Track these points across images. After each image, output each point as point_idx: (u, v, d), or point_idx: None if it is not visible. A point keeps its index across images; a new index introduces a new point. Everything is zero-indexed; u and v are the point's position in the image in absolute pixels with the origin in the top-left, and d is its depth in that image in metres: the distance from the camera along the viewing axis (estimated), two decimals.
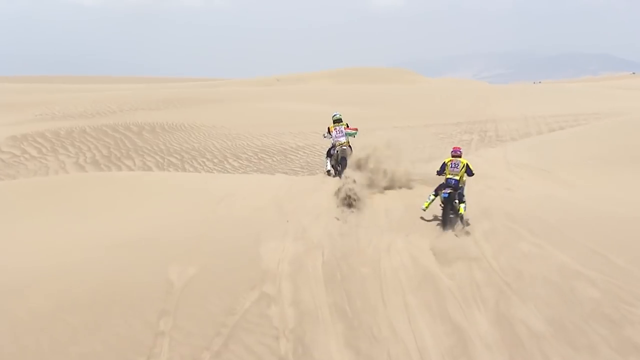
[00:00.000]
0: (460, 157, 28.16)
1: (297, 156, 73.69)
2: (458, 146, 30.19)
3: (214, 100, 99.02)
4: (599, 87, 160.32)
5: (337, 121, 33.97)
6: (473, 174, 28.23)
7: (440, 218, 27.91)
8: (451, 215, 27.31)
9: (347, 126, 33.84)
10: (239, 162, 72.44)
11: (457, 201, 27.22)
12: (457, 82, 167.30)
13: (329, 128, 34.00)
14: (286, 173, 69.54)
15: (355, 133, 34.56)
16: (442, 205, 27.48)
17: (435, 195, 28.05)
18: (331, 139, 33.76)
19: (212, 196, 31.05)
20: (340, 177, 31.37)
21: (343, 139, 33.51)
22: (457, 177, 27.34)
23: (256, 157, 73.45)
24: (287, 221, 28.29)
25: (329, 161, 33.93)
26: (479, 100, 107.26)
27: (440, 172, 28.17)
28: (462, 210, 27.28)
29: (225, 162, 72.66)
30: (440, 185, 27.96)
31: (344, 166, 32.24)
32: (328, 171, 34.28)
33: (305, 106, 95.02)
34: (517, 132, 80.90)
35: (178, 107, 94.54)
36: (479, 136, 79.57)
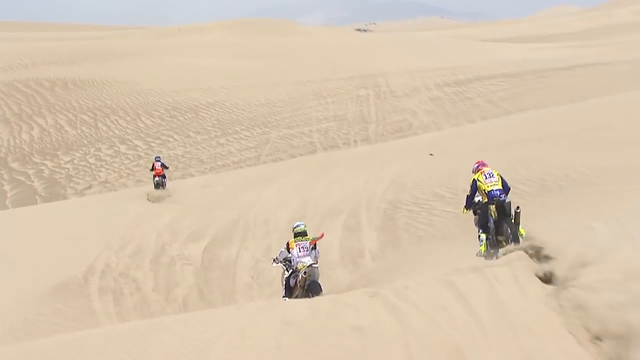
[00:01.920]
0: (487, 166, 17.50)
1: (208, 114, 62.14)
2: (480, 160, 18.15)
3: (121, 54, 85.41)
4: (447, 37, 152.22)
5: (301, 234, 18.14)
6: (510, 188, 17.33)
7: None
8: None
9: (314, 240, 18.14)
10: (151, 121, 60.49)
11: (518, 210, 16.64)
12: (334, 32, 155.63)
13: (288, 244, 18.00)
14: (198, 133, 58.28)
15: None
16: (499, 216, 16.82)
17: (485, 231, 17.22)
18: (283, 263, 17.97)
19: None
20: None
21: (309, 260, 17.44)
22: (500, 187, 16.81)
23: (168, 115, 61.44)
24: None
25: (288, 293, 17.66)
26: (362, 53, 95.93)
27: (473, 193, 17.35)
28: (522, 231, 16.12)
29: (138, 121, 60.53)
30: (483, 209, 17.15)
31: (317, 292, 16.74)
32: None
33: (211, 60, 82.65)
34: (407, 86, 71.19)
35: (90, 60, 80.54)
36: (374, 92, 69.54)
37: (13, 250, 28.35)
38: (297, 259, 17.05)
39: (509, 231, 16.20)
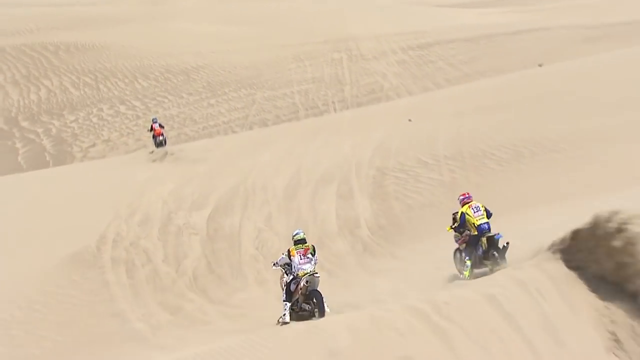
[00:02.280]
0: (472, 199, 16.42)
1: (198, 76, 59.16)
2: (465, 192, 17.06)
3: (118, 20, 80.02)
4: (405, 4, 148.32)
5: (300, 242, 15.22)
6: (492, 214, 16.33)
7: None
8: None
9: (314, 251, 15.16)
10: (147, 82, 57.46)
11: (507, 244, 15.20)
12: None
13: (289, 251, 15.15)
14: (190, 94, 55.29)
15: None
16: (488, 247, 15.59)
17: (470, 258, 15.84)
18: (283, 267, 15.33)
19: None
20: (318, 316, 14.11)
21: (309, 267, 14.84)
22: (487, 220, 15.84)
23: (162, 78, 58.38)
24: None
25: (287, 307, 14.70)
26: (333, 18, 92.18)
27: (461, 224, 16.18)
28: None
29: (135, 82, 57.41)
30: (472, 241, 15.93)
31: (319, 302, 14.40)
32: (285, 322, 14.69)
33: (199, 25, 78.18)
34: (376, 50, 68.49)
35: (89, 26, 75.53)
36: (346, 55, 66.68)
37: (26, 219, 25.96)
38: (298, 266, 14.59)
39: (496, 257, 15.21)
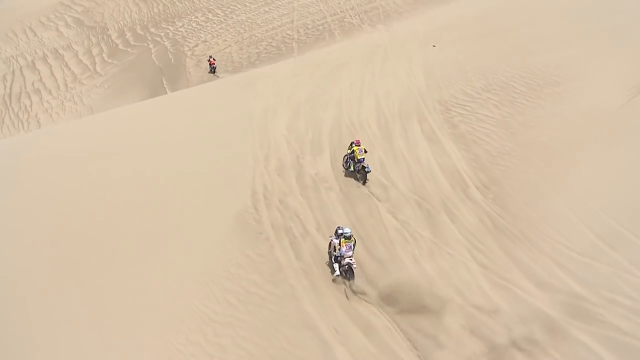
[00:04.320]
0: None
1: None
2: (357, 139, 13.74)
3: None
4: None
5: (348, 238, 9.94)
6: (367, 151, 13.57)
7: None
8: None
9: (355, 243, 10.05)
10: None
11: (369, 170, 12.98)
12: None
13: (340, 241, 9.89)
14: (252, 3, 39.24)
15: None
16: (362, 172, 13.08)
17: (352, 165, 13.23)
18: (334, 245, 9.97)
19: None
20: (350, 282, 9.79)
21: (350, 253, 9.81)
22: (364, 156, 13.08)
23: None
24: None
25: (337, 267, 9.79)
26: None
27: (351, 156, 13.16)
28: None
29: None
30: (355, 162, 13.12)
31: (352, 276, 9.79)
32: (337, 275, 9.92)
33: None
34: None
35: None
36: None
37: (178, 159, 15.49)
38: (344, 253, 10.13)
39: (363, 179, 12.91)
